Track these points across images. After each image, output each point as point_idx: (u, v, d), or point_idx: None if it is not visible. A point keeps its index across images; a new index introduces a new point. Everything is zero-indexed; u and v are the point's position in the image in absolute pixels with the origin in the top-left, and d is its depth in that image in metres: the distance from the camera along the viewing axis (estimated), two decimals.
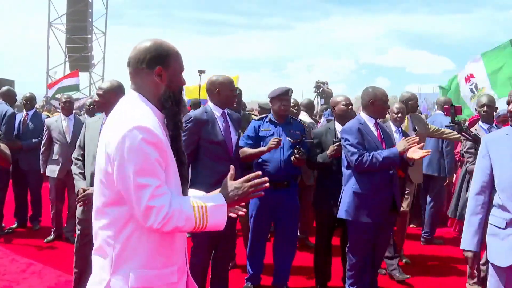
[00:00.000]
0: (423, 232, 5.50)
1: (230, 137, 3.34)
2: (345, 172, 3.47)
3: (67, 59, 22.09)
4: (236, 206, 1.74)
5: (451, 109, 6.07)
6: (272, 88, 3.83)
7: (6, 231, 5.50)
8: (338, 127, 3.85)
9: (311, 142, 3.87)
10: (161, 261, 1.59)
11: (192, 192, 1.79)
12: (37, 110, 6.18)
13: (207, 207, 1.56)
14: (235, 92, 3.46)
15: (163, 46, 1.65)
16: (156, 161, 1.51)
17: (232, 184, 1.65)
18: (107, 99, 3.15)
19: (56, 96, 12.72)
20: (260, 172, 1.69)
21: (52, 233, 5.25)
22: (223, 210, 1.60)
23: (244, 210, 1.80)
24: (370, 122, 3.47)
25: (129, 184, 1.49)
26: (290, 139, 3.69)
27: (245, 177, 1.66)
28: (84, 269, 3.19)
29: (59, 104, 6.10)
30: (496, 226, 2.50)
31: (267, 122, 3.79)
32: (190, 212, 1.53)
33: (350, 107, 3.88)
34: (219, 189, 1.71)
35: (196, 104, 7.35)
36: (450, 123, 6.19)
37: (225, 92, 3.31)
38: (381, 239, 3.56)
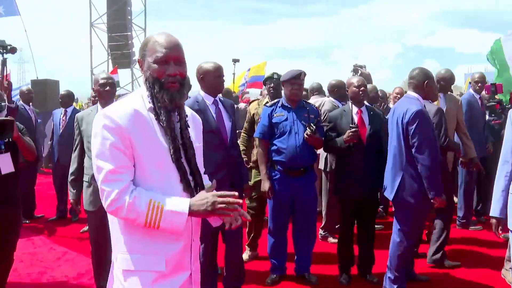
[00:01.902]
0: (458, 216, 5.27)
1: (224, 125, 3.28)
2: (404, 154, 3.24)
3: (109, 57, 22.76)
4: (237, 213, 1.63)
5: (492, 87, 5.75)
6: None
7: (48, 220, 5.94)
8: (355, 109, 3.73)
9: (327, 125, 3.78)
10: (143, 246, 1.59)
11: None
12: (75, 107, 6.50)
13: (163, 208, 1.53)
14: (222, 78, 3.33)
15: (147, 37, 1.68)
16: (113, 146, 1.53)
17: (202, 194, 1.60)
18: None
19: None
20: (236, 193, 1.61)
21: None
22: (181, 218, 1.54)
23: (241, 220, 1.70)
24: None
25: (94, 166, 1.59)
26: (304, 123, 3.58)
27: (220, 192, 1.59)
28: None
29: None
30: None
31: (279, 107, 3.67)
32: (142, 208, 1.52)
33: (362, 88, 3.71)
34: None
35: (226, 93, 7.34)
36: (491, 100, 5.85)
37: (208, 79, 3.24)
38: None
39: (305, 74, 3.65)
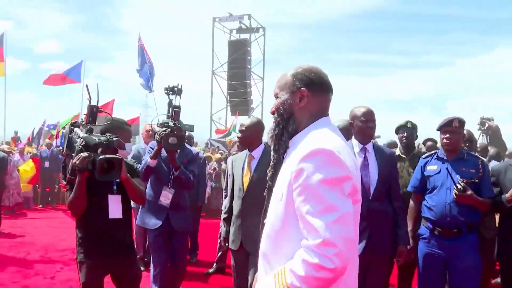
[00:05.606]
0: None
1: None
2: None
3: (228, 103, 23.94)
4: None
5: None
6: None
7: None
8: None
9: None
10: None
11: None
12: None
13: None
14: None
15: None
16: None
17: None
18: (249, 134, 3.45)
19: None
20: None
21: None
22: None
23: None
24: None
25: None
26: (459, 178, 3.10)
27: None
28: None
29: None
30: None
31: (434, 159, 3.35)
32: None
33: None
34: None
35: None
36: None
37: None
38: None
39: (462, 121, 3.23)
